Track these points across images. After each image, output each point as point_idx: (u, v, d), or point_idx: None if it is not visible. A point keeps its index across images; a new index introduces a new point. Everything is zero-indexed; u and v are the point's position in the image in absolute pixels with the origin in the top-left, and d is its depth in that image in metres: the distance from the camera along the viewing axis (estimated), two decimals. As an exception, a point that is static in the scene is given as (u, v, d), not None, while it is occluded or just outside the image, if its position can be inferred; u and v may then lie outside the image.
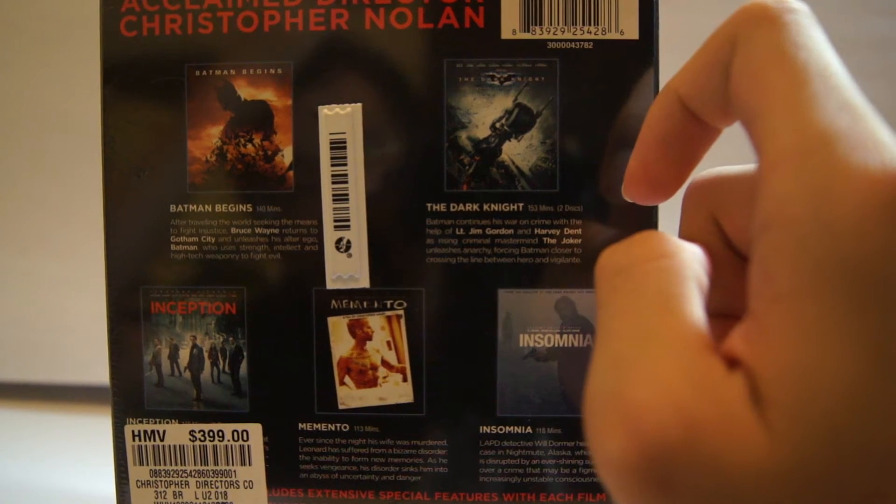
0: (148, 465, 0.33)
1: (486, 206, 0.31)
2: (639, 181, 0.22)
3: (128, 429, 0.33)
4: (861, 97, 0.17)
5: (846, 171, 0.16)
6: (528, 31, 0.31)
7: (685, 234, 0.23)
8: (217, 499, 0.33)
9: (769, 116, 0.18)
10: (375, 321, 0.32)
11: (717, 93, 0.20)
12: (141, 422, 0.33)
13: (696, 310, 0.18)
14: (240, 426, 0.32)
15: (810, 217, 0.16)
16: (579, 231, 0.31)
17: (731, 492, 0.16)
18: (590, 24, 0.30)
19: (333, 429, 0.32)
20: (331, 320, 0.32)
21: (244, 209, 0.32)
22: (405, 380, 0.32)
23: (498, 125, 0.31)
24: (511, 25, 0.31)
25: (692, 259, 0.19)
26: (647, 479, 0.16)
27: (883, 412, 0.15)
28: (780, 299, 0.16)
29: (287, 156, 0.32)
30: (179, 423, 0.33)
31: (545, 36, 0.31)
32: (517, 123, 0.31)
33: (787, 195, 0.16)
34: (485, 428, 0.32)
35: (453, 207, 0.31)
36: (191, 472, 0.33)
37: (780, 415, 0.16)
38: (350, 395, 0.32)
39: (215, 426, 0.32)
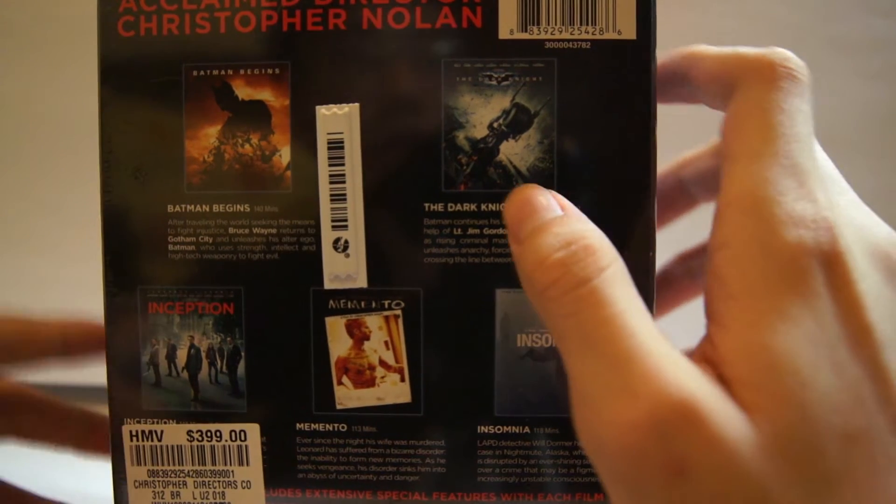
0: (145, 465, 0.33)
1: (483, 206, 0.31)
2: None
3: (125, 429, 0.33)
4: (815, 159, 0.23)
5: (784, 217, 0.21)
6: (526, 31, 0.31)
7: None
8: (215, 499, 0.33)
9: (736, 163, 0.23)
10: (373, 321, 0.32)
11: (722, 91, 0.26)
12: (138, 422, 0.33)
13: (650, 326, 0.22)
14: (237, 426, 0.32)
15: (754, 242, 0.21)
16: (577, 231, 0.31)
17: (730, 465, 0.19)
18: (587, 24, 0.30)
19: (331, 429, 0.32)
20: (328, 320, 0.32)
21: (242, 209, 0.32)
22: (403, 380, 0.32)
23: (495, 125, 0.31)
24: (508, 25, 0.31)
25: (623, 269, 0.23)
26: (660, 459, 0.19)
27: (835, 398, 0.19)
28: (732, 298, 0.21)
29: (285, 156, 0.32)
30: (177, 423, 0.33)
31: (543, 36, 0.31)
32: (515, 123, 0.31)
33: (738, 225, 0.22)
34: (483, 428, 0.32)
35: (451, 207, 0.31)
36: (188, 472, 0.33)
37: (748, 391, 0.20)
38: (348, 395, 0.32)
39: (213, 426, 0.32)
